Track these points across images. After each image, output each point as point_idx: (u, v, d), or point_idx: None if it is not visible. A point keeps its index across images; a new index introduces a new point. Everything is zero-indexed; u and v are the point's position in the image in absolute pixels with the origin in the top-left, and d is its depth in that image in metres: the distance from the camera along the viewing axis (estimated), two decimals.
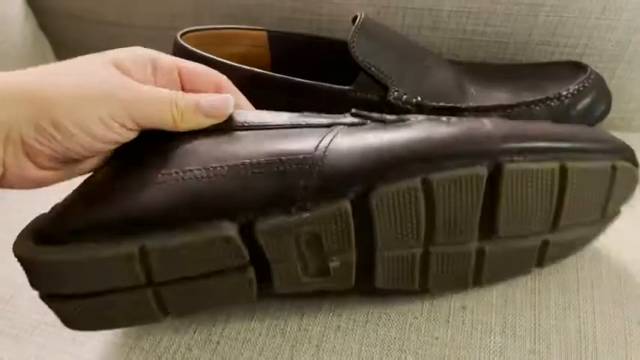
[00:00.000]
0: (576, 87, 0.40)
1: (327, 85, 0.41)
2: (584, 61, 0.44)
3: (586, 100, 0.40)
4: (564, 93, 0.40)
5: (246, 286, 0.31)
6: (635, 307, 0.34)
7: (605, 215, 0.33)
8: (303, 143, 0.30)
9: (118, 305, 0.30)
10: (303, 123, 0.32)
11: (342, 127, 0.32)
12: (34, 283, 0.29)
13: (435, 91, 0.41)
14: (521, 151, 0.29)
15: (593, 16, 0.44)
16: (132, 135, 0.30)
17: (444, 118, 0.32)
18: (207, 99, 0.32)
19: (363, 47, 0.40)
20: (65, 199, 0.31)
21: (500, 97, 0.41)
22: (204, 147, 0.31)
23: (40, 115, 0.26)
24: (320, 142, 0.30)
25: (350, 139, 0.30)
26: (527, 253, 0.33)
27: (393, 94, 0.40)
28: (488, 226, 0.31)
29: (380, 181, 0.29)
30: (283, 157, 0.29)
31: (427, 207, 0.30)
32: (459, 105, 0.40)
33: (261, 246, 0.29)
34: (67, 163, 0.30)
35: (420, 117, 0.33)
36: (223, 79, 0.35)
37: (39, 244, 0.28)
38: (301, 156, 0.29)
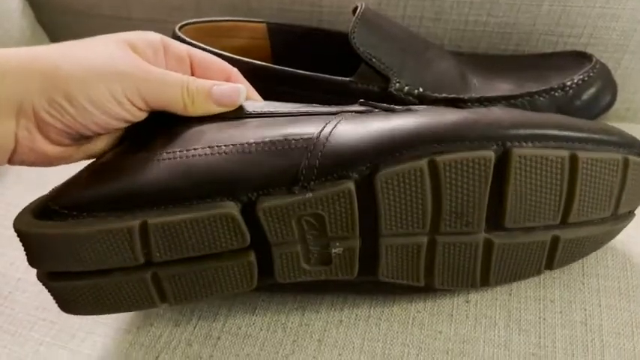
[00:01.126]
0: (581, 77, 0.39)
1: (328, 76, 0.41)
2: (589, 51, 0.44)
3: (591, 91, 0.40)
4: (569, 83, 0.39)
5: (247, 271, 0.31)
6: None
7: (617, 213, 0.32)
8: (308, 126, 0.30)
9: (116, 288, 0.30)
10: (311, 111, 0.32)
11: (348, 113, 0.31)
12: (32, 260, 0.29)
13: (437, 82, 0.40)
14: (530, 137, 0.29)
15: (597, 5, 0.43)
16: (142, 115, 0.31)
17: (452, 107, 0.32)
18: (219, 87, 0.32)
19: (363, 38, 0.40)
20: (68, 179, 0.31)
21: (503, 87, 0.41)
22: (210, 131, 0.31)
23: (53, 88, 0.27)
24: (325, 125, 0.30)
25: (356, 123, 0.30)
26: (537, 250, 0.32)
27: (394, 86, 0.39)
28: (495, 216, 0.30)
29: (385, 161, 0.28)
30: (288, 137, 0.29)
31: (433, 190, 0.29)
32: (461, 96, 0.40)
33: (263, 227, 0.29)
34: (78, 140, 0.30)
35: (427, 105, 0.32)
36: (234, 71, 0.35)
37: (39, 218, 0.28)
38: (306, 136, 0.29)
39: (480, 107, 0.40)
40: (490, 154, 0.28)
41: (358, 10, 0.41)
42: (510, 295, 0.34)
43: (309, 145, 0.29)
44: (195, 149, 0.29)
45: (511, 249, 0.32)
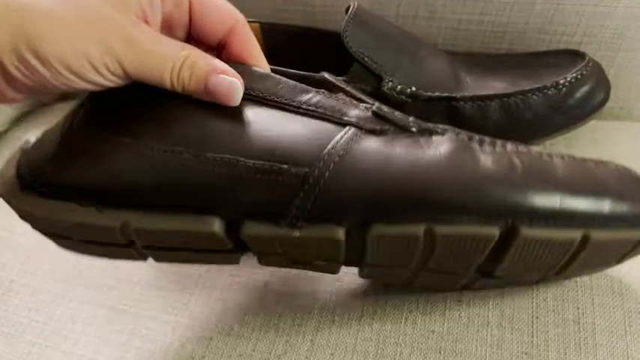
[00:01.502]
0: (574, 75, 0.39)
1: None
2: (583, 49, 0.43)
3: (584, 89, 0.39)
4: (562, 81, 0.39)
5: (229, 259, 0.31)
6: (635, 297, 0.33)
7: (620, 262, 0.31)
8: (309, 148, 0.27)
9: (102, 251, 0.30)
10: (319, 112, 0.28)
11: (358, 132, 0.28)
12: (19, 216, 0.29)
13: (430, 81, 0.40)
14: (544, 217, 0.26)
15: (590, 3, 0.43)
16: (121, 84, 0.27)
17: (476, 142, 0.28)
18: (217, 78, 0.27)
19: (356, 37, 0.40)
20: (49, 142, 0.28)
21: (496, 86, 0.41)
22: (200, 121, 0.28)
23: (25, 46, 0.23)
24: (329, 151, 0.27)
25: (361, 157, 0.27)
26: (523, 284, 0.33)
27: (387, 85, 0.39)
28: (485, 271, 0.30)
29: (381, 218, 0.27)
30: (284, 167, 0.26)
31: (424, 253, 0.28)
32: (454, 94, 0.40)
33: (246, 243, 0.29)
34: (45, 94, 0.28)
35: (449, 133, 0.28)
36: (240, 20, 0.30)
37: (22, 188, 0.28)
38: (304, 170, 0.26)
39: (474, 105, 0.40)
40: (494, 233, 0.26)
41: (350, 10, 0.41)
42: (503, 294, 0.34)
43: (303, 182, 0.26)
44: (184, 151, 0.27)
45: (495, 285, 0.33)
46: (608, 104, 0.42)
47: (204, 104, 0.28)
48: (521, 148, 0.28)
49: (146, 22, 0.27)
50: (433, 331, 0.33)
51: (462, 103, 0.39)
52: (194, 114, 0.28)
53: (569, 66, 0.41)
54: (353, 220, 0.27)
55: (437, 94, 0.40)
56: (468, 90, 0.41)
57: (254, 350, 0.33)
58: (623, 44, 0.45)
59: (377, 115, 0.29)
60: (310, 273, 0.36)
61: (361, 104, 0.30)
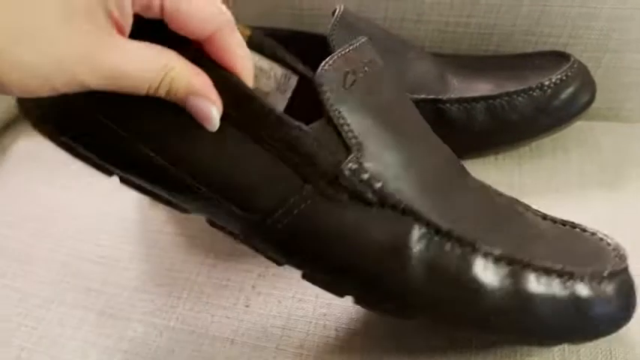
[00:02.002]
0: (559, 77, 0.40)
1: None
2: (569, 50, 0.44)
3: (569, 90, 0.40)
4: (547, 83, 0.39)
5: None
6: None
7: None
8: (265, 201, 0.28)
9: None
10: (288, 156, 0.28)
11: (314, 195, 0.28)
12: None
13: (417, 84, 0.41)
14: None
15: (576, 4, 0.43)
16: None
17: (427, 236, 0.28)
18: (194, 102, 0.26)
19: (342, 41, 0.40)
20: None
21: (482, 88, 0.41)
22: (176, 133, 0.27)
23: None
24: (282, 210, 0.28)
25: (311, 225, 0.28)
26: None
27: None
28: None
29: (320, 284, 0.30)
30: (239, 213, 0.28)
31: None
32: (440, 97, 0.40)
33: None
34: None
35: (409, 217, 0.28)
36: (222, 25, 0.26)
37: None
38: (255, 219, 0.28)
39: (460, 107, 0.40)
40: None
41: (337, 13, 0.41)
42: None
43: (256, 232, 0.29)
44: (159, 159, 0.28)
45: None
46: (595, 105, 0.42)
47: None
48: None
49: (117, 25, 0.24)
50: (420, 333, 0.33)
51: (447, 105, 0.40)
52: (177, 122, 0.27)
53: (554, 67, 0.41)
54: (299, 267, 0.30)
55: (423, 96, 0.40)
56: (454, 92, 0.41)
57: (242, 354, 0.34)
58: (609, 45, 0.45)
59: (334, 183, 0.28)
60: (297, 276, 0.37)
61: (335, 153, 0.28)
